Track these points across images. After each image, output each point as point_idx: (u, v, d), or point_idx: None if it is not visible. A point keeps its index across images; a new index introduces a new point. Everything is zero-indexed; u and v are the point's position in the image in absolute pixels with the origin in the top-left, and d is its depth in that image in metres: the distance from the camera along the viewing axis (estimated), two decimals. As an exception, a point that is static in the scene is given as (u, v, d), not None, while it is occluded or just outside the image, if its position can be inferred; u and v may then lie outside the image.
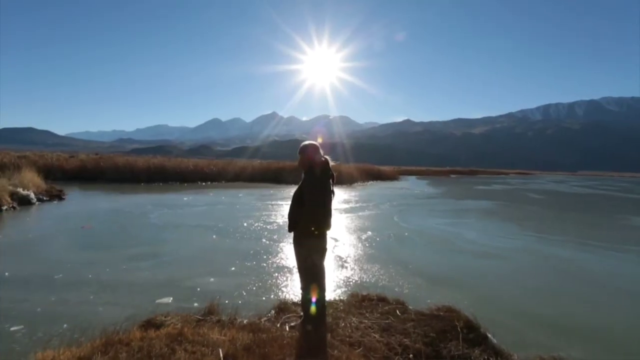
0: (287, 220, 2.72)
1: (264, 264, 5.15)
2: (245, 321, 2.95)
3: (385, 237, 7.33)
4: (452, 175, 58.04)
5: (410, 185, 28.11)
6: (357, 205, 12.75)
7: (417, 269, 5.19)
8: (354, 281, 4.55)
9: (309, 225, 2.55)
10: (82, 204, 11.05)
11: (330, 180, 2.65)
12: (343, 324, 2.83)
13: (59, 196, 11.95)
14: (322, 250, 2.66)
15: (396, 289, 4.31)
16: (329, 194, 2.64)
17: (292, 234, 2.73)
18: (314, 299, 2.60)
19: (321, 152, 2.70)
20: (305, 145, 2.71)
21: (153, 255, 5.41)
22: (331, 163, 2.70)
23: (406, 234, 7.89)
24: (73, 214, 8.98)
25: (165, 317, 3.01)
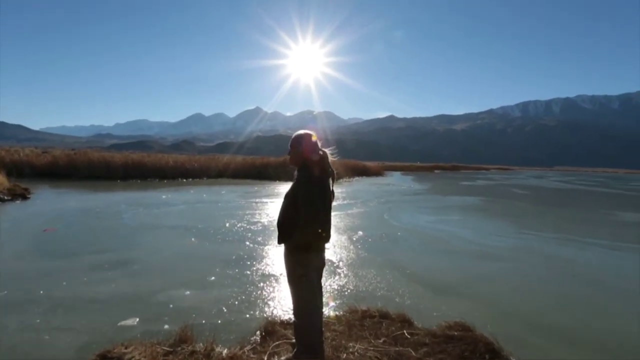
0: (276, 227, 2.20)
1: (248, 272, 4.61)
2: (224, 352, 2.42)
3: (377, 238, 6.90)
4: (436, 171, 58.55)
5: (396, 181, 27.93)
6: (345, 202, 12.32)
7: (416, 274, 4.76)
8: (349, 291, 4.08)
9: (306, 237, 2.05)
10: (49, 203, 10.15)
11: (331, 180, 2.15)
12: (345, 356, 2.34)
13: (23, 195, 10.98)
14: (320, 266, 2.16)
15: (397, 300, 3.87)
16: (330, 196, 2.14)
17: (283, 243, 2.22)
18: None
19: (319, 144, 2.20)
20: (300, 136, 2.19)
21: (121, 263, 4.78)
22: (330, 158, 2.20)
23: (399, 233, 7.49)
24: (36, 215, 8.15)
25: (126, 348, 2.45)
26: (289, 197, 2.13)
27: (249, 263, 4.98)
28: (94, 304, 3.49)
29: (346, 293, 4.00)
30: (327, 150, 2.21)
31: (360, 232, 7.29)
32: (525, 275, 5.03)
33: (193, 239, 6.32)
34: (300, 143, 2.15)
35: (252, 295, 3.84)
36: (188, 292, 3.87)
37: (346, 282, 4.34)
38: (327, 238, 2.14)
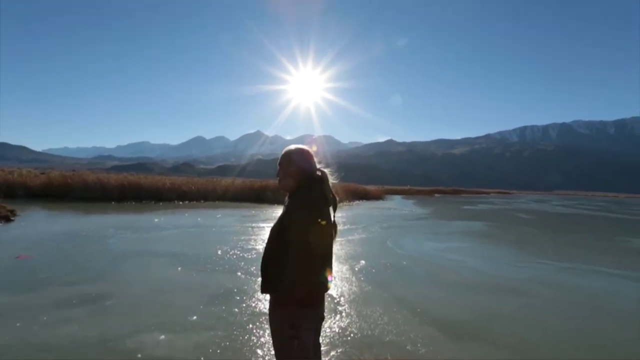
0: (260, 271, 1.70)
1: (236, 309, 4.04)
2: None
3: (381, 268, 6.33)
4: (436, 195, 58.06)
5: (397, 205, 27.39)
6: (345, 227, 11.76)
7: (427, 313, 4.19)
8: (352, 335, 3.50)
9: (300, 285, 1.52)
10: (33, 226, 9.60)
11: (332, 209, 1.68)
12: None
13: (6, 217, 10.43)
14: (318, 322, 1.64)
15: (409, 347, 3.29)
16: (331, 230, 1.67)
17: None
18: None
19: (315, 161, 1.74)
20: (292, 151, 1.72)
21: (92, 298, 4.21)
22: (331, 180, 1.74)
23: (404, 262, 6.92)
24: (14, 240, 7.60)
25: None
26: (275, 232, 1.64)
27: (238, 298, 4.41)
28: (46, 352, 2.92)
29: (348, 339, 3.43)
30: (327, 171, 1.75)
31: (363, 261, 6.72)
32: (548, 313, 4.45)
33: (179, 268, 5.75)
34: (291, 160, 1.69)
35: (239, 341, 3.26)
36: (162, 337, 3.29)
37: (348, 324, 3.77)
38: (326, 287, 1.64)
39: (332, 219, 1.66)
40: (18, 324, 3.40)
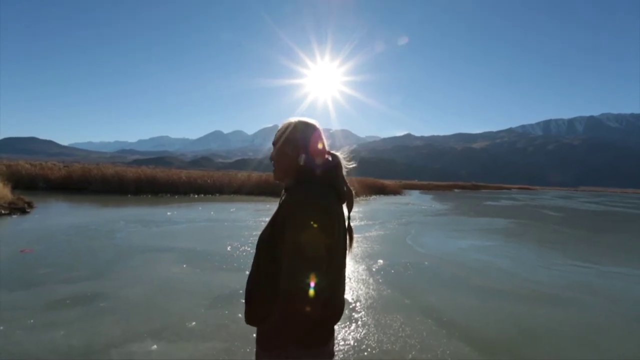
0: (245, 296, 1.25)
1: (240, 314, 3.63)
2: None
3: (401, 269, 5.82)
4: (456, 190, 56.56)
5: (415, 200, 26.59)
6: (362, 223, 11.25)
7: (455, 325, 3.66)
8: (369, 350, 3.03)
9: (299, 318, 1.03)
10: (46, 219, 9.55)
11: (346, 208, 1.21)
12: None
13: (22, 209, 10.47)
14: None
15: (437, 368, 2.80)
16: (344, 237, 1.19)
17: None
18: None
19: (324, 142, 1.24)
20: (289, 127, 1.22)
21: (88, 298, 3.90)
22: (345, 167, 1.26)
23: (426, 262, 6.37)
24: (25, 232, 7.49)
25: None
26: (265, 241, 1.17)
27: (242, 301, 3.99)
28: (22, 363, 2.59)
29: (365, 354, 2.96)
30: (340, 155, 1.27)
31: (381, 261, 6.22)
32: (597, 327, 3.84)
33: (184, 265, 5.42)
34: (291, 138, 1.21)
35: (239, 354, 2.85)
36: (155, 346, 2.92)
37: (365, 336, 3.29)
38: (338, 313, 1.17)
39: (347, 222, 1.17)
40: (1, 328, 3.10)
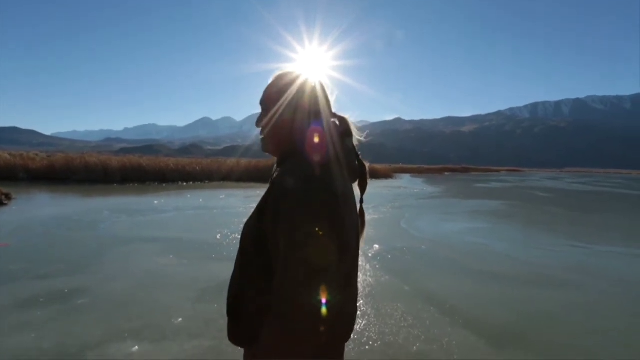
0: (227, 307, 0.99)
1: (231, 308, 3.39)
2: None
3: (398, 253, 5.64)
4: (446, 173, 56.92)
5: (406, 183, 26.56)
6: (355, 208, 11.07)
7: (458, 312, 3.49)
8: (371, 342, 2.83)
9: (297, 334, 0.73)
10: (25, 211, 9.08)
11: (358, 187, 0.93)
12: None
13: (-1, 201, 9.97)
14: None
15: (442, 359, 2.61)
16: (357, 226, 0.91)
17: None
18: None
19: (330, 97, 0.94)
20: (282, 79, 0.92)
21: (64, 295, 3.60)
22: (358, 137, 0.96)
23: (423, 247, 6.21)
24: (1, 225, 7.07)
25: None
26: (249, 237, 0.90)
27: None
28: (-16, 373, 2.31)
29: (366, 347, 2.76)
30: (349, 118, 0.97)
31: (377, 246, 6.03)
32: (600, 309, 3.73)
33: (171, 256, 5.13)
34: (283, 97, 0.90)
35: (228, 354, 2.62)
36: (136, 347, 2.66)
37: (365, 327, 3.09)
38: (349, 329, 0.91)
39: (359, 206, 0.90)
40: (-39, 333, 2.79)
